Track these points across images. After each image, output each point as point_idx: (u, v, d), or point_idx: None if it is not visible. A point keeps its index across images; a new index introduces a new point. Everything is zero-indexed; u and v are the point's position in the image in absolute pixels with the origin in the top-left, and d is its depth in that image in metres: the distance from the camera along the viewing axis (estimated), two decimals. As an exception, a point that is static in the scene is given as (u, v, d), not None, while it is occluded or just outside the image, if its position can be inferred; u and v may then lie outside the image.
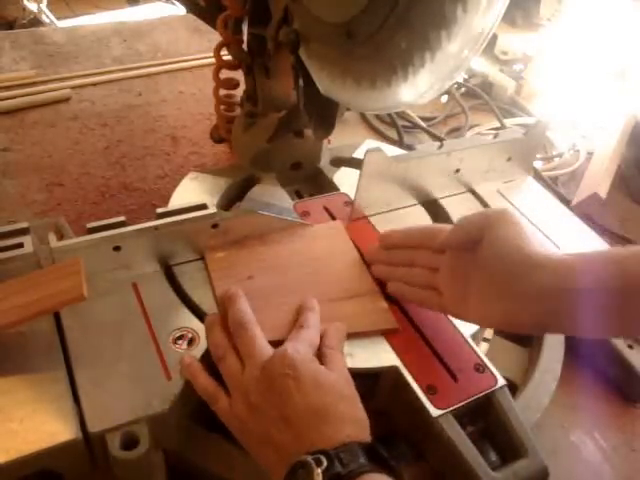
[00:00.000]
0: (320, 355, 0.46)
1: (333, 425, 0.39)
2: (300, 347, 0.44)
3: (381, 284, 0.55)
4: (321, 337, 0.47)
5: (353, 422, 0.40)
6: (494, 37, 1.19)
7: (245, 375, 0.43)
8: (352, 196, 0.64)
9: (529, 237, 0.44)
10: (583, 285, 0.39)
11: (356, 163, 0.69)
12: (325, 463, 0.36)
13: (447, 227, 0.50)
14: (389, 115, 1.05)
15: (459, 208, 0.67)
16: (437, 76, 0.48)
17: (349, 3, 0.49)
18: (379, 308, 0.53)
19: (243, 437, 0.43)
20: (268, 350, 0.44)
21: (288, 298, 0.52)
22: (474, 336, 0.53)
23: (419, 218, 0.66)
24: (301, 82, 0.61)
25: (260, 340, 0.45)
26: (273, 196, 0.66)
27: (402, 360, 0.49)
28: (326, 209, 0.65)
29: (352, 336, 0.50)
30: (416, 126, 1.07)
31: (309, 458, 0.36)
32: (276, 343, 0.45)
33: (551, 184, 0.96)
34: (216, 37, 0.71)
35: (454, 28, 0.43)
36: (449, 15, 0.43)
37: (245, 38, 0.68)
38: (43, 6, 2.18)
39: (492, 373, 0.49)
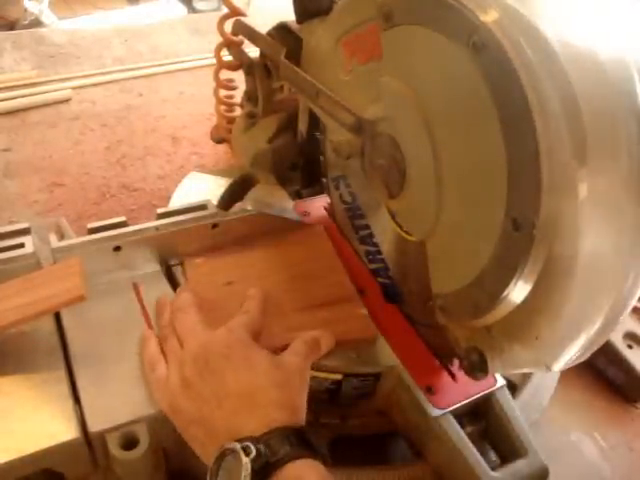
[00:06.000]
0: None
1: (263, 409, 0.39)
2: (237, 329, 0.45)
3: (362, 290, 0.54)
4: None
5: (284, 407, 0.40)
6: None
7: (184, 350, 0.44)
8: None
9: None
10: None
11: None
12: (253, 452, 0.35)
13: None
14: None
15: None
16: None
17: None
18: (358, 314, 0.51)
19: (175, 415, 0.42)
20: (208, 332, 0.45)
21: (266, 304, 0.51)
22: (474, 336, 0.53)
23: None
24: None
25: (201, 323, 0.46)
26: (273, 196, 0.66)
27: (402, 360, 0.49)
28: (326, 209, 0.65)
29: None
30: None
31: (237, 447, 0.36)
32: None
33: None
34: (216, 38, 0.71)
35: None
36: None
37: (245, 38, 0.68)
38: (44, 6, 2.18)
39: (492, 373, 0.49)
